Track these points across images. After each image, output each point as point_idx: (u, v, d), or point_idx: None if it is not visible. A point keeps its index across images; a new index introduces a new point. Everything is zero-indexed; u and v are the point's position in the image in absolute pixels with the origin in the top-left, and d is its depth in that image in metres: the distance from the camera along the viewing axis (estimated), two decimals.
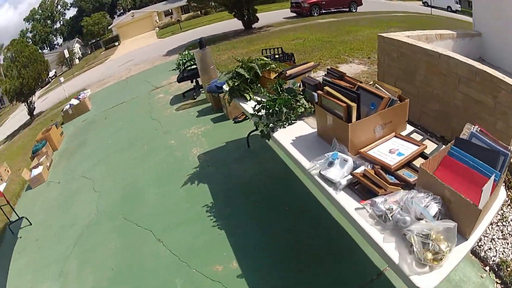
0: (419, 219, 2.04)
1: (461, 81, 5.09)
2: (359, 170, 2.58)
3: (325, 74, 3.84)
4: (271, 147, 5.35)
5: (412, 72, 5.62)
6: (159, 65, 15.71)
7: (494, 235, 4.04)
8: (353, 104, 2.74)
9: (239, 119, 6.55)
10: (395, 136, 3.07)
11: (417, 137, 3.16)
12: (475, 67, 4.90)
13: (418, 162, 2.72)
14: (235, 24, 22.13)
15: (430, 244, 1.90)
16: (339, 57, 10.28)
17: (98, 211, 5.29)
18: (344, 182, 2.51)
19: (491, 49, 10.56)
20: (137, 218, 4.81)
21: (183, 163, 5.73)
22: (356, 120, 2.80)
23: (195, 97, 8.66)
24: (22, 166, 8.61)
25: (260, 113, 3.60)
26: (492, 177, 2.19)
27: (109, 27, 57.36)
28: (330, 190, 2.54)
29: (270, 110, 3.42)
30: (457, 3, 43.60)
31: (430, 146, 3.00)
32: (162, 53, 19.77)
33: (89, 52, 55.26)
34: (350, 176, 2.54)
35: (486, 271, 3.57)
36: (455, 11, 40.61)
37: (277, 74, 4.23)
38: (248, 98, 4.16)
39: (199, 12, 49.76)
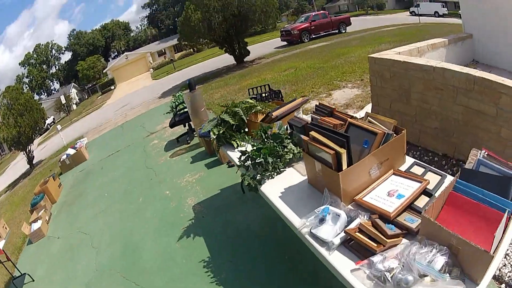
0: (424, 275, 1.79)
1: (459, 92, 4.88)
2: (354, 223, 2.28)
3: (313, 112, 3.60)
4: None
5: (407, 91, 5.37)
6: (154, 108, 15.67)
7: (508, 249, 3.76)
8: (342, 151, 2.44)
9: (233, 164, 6.27)
10: (394, 174, 2.76)
11: (418, 170, 2.86)
12: (472, 75, 4.69)
13: (422, 201, 2.45)
14: (228, 59, 22.22)
15: None
16: (331, 83, 10.11)
17: (97, 268, 5.10)
18: (337, 241, 2.21)
19: (484, 49, 10.45)
20: (135, 275, 4.60)
21: (179, 215, 5.47)
22: (348, 165, 2.48)
23: (189, 141, 8.44)
24: (23, 218, 8.52)
25: (246, 163, 3.29)
26: (505, 216, 1.95)
27: (104, 71, 58.05)
28: (323, 250, 2.23)
29: (257, 160, 3.12)
30: (443, 7, 44.21)
31: (433, 179, 2.69)
32: (157, 95, 19.78)
33: (86, 97, 55.81)
34: (343, 234, 2.24)
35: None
36: (443, 15, 41.24)
37: (264, 115, 3.96)
38: (235, 145, 3.87)
39: (191, 49, 50.15)
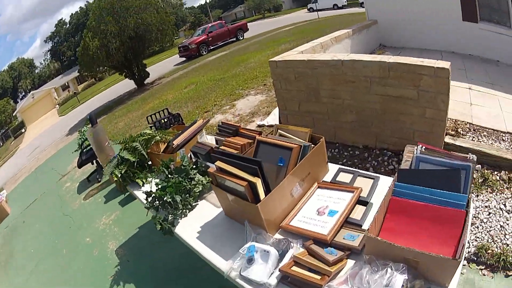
0: None
1: (373, 82, 4.79)
2: (289, 255, 1.95)
3: (216, 133, 3.29)
4: None
5: (315, 90, 5.19)
6: (63, 147, 14.75)
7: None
8: (256, 180, 2.10)
9: None
10: (319, 187, 2.48)
11: (346, 177, 2.59)
12: (386, 62, 4.60)
13: (358, 212, 2.20)
14: (129, 84, 21.58)
15: None
16: (234, 93, 9.92)
17: None
18: (273, 281, 1.88)
19: (389, 33, 11.10)
20: None
21: (103, 263, 4.98)
22: (266, 192, 2.14)
23: (99, 179, 7.89)
24: None
25: (155, 204, 2.86)
26: (463, 215, 1.81)
27: (14, 114, 54.69)
28: None
29: (164, 199, 2.71)
30: None
31: (365, 185, 2.44)
32: (64, 132, 18.63)
33: (1, 144, 52.74)
34: (276, 272, 1.91)
35: (465, 265, 3.50)
36: (342, 7, 42.51)
37: (165, 145, 3.56)
38: (141, 183, 3.42)
39: (93, 79, 48.75)
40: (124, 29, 17.51)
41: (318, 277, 1.78)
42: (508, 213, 4.23)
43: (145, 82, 20.43)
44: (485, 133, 5.71)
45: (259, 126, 6.96)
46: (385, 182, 2.47)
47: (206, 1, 66.45)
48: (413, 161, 2.17)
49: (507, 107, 6.77)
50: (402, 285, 1.58)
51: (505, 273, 3.59)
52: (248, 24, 29.57)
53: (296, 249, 1.99)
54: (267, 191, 2.15)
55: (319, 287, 1.73)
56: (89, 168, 8.59)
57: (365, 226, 2.11)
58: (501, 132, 5.77)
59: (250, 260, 1.97)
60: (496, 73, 9.36)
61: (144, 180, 3.40)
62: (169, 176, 2.85)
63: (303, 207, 2.35)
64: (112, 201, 6.65)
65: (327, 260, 1.83)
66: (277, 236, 2.19)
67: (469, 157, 2.08)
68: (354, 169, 2.72)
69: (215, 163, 2.36)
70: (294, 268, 1.86)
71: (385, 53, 7.74)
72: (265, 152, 2.48)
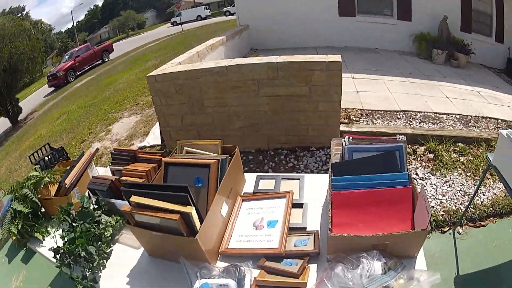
0: None
1: (261, 84, 4.80)
2: (248, 282, 1.73)
3: (111, 163, 2.93)
4: None
5: (199, 101, 5.08)
6: None
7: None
8: (190, 209, 1.77)
9: None
10: (244, 201, 2.29)
11: (268, 184, 2.46)
12: (274, 62, 4.65)
13: (296, 216, 2.11)
14: (3, 123, 19.78)
15: None
16: (107, 117, 9.36)
17: None
18: None
19: (260, 36, 11.68)
20: None
21: None
22: (200, 222, 1.84)
23: None
24: None
25: (66, 261, 2.25)
26: (410, 191, 1.91)
27: None
28: None
29: (76, 253, 2.20)
30: (206, 9, 46.45)
31: (292, 187, 2.37)
32: None
33: None
34: None
35: None
36: (206, 17, 43.58)
37: (57, 186, 3.03)
38: (41, 237, 2.79)
39: None
40: (1, 61, 15.98)
41: None
42: (423, 180, 4.67)
43: (19, 118, 18.55)
44: (378, 115, 6.04)
45: (140, 148, 6.48)
46: (311, 180, 2.45)
47: (73, 24, 63.92)
48: (345, 153, 2.15)
49: (395, 88, 7.40)
50: (383, 268, 1.61)
51: (440, 231, 4.02)
52: (113, 44, 28.89)
53: (250, 272, 1.77)
54: (200, 218, 1.85)
55: None
56: None
57: (309, 227, 2.07)
58: (394, 111, 6.22)
59: None
60: (377, 59, 10.20)
61: (43, 234, 2.86)
62: (73, 224, 2.34)
63: (236, 226, 2.14)
64: (15, 259, 5.57)
65: (292, 272, 1.71)
66: (221, 264, 1.93)
67: (398, 138, 2.12)
68: (275, 174, 2.64)
69: (131, 199, 1.93)
70: None
71: (258, 56, 8.01)
72: (177, 174, 2.19)
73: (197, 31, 24.13)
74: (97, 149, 3.93)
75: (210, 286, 1.70)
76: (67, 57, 25.24)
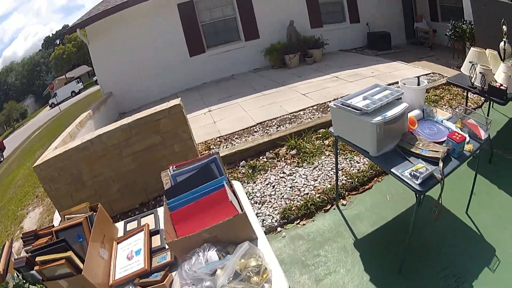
0: (212, 274, 1.94)
1: (121, 147, 5.14)
2: None
3: (24, 245, 3.34)
4: None
5: (78, 177, 5.34)
6: None
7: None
8: (69, 253, 2.36)
9: None
10: (118, 243, 2.80)
11: (133, 225, 2.99)
12: (125, 124, 5.05)
13: (157, 240, 2.62)
14: None
15: (249, 274, 1.87)
16: (17, 216, 9.29)
17: None
18: None
19: (125, 98, 11.91)
20: None
21: None
22: (84, 261, 2.39)
23: None
24: None
25: None
26: (226, 186, 2.35)
27: None
28: None
29: None
30: (78, 83, 45.12)
31: (149, 220, 2.90)
32: None
33: None
34: None
35: (284, 229, 4.22)
36: (79, 92, 42.17)
37: None
38: None
39: None
40: None
41: None
42: (291, 175, 5.08)
43: None
44: (236, 136, 6.41)
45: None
46: (162, 211, 2.91)
47: None
48: (171, 180, 2.66)
49: (249, 106, 7.83)
50: (219, 256, 2.00)
51: (323, 210, 4.40)
52: (3, 141, 27.14)
53: None
54: (82, 260, 2.40)
55: None
56: None
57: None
58: (251, 127, 6.63)
59: None
60: (232, 85, 10.61)
61: None
62: None
63: (116, 262, 2.61)
64: None
65: (156, 281, 2.18)
66: None
67: (212, 152, 2.66)
68: (136, 216, 3.11)
69: (36, 259, 2.47)
70: None
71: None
72: (65, 236, 2.62)
73: (74, 108, 23.69)
74: (12, 239, 4.16)
75: None
76: None
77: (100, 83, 12.20)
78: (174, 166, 2.71)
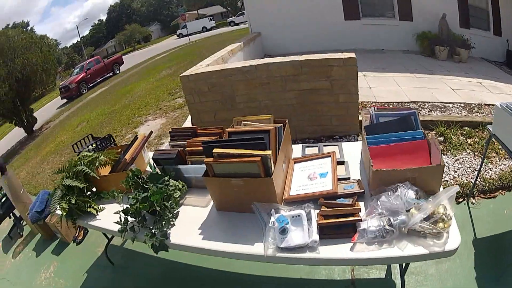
0: (407, 210, 1.95)
1: (287, 80, 5.04)
2: (314, 215, 2.07)
3: (171, 140, 3.20)
4: (138, 251, 4.25)
5: (231, 97, 5.32)
6: None
7: None
8: (268, 152, 2.11)
9: (80, 238, 5.17)
10: (296, 163, 2.66)
11: (313, 150, 2.91)
12: (298, 61, 4.91)
13: (340, 171, 2.49)
14: (17, 134, 19.57)
15: (441, 218, 1.91)
16: (131, 122, 9.49)
17: None
18: (317, 237, 1.95)
19: (271, 43, 12.06)
20: None
21: None
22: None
23: (21, 233, 6.70)
24: None
25: (132, 224, 2.44)
26: (427, 139, 2.36)
27: None
28: (308, 254, 1.92)
29: (148, 211, 2.40)
30: (210, 20, 46.61)
31: (334, 150, 2.78)
32: None
33: None
34: (315, 229, 1.99)
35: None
36: (211, 29, 43.64)
37: (112, 165, 3.22)
38: (95, 212, 2.90)
39: None
40: (13, 71, 15.91)
41: (355, 218, 1.98)
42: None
43: (34, 128, 18.50)
44: (391, 106, 6.18)
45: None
46: (347, 146, 2.89)
47: (80, 38, 63.60)
48: (373, 118, 2.61)
49: (403, 83, 7.73)
50: (415, 195, 2.02)
51: (456, 201, 4.25)
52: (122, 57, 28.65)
53: (310, 211, 2.09)
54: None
55: (360, 221, 1.96)
56: (7, 224, 7.43)
57: (352, 177, 2.45)
58: (405, 102, 6.40)
59: (284, 231, 1.98)
60: (384, 59, 10.48)
61: (98, 207, 2.96)
62: (145, 186, 2.51)
63: (293, 180, 2.45)
64: (44, 252, 5.62)
65: (348, 204, 2.08)
66: (287, 207, 2.18)
67: (411, 106, 2.53)
68: (316, 143, 3.07)
69: (213, 150, 2.20)
70: (329, 220, 2.01)
71: None
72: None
73: (205, 41, 24.12)
74: (151, 132, 3.96)
75: (285, 218, 1.99)
76: (77, 69, 25.13)
77: (249, 22, 12.36)
78: (375, 107, 2.68)
